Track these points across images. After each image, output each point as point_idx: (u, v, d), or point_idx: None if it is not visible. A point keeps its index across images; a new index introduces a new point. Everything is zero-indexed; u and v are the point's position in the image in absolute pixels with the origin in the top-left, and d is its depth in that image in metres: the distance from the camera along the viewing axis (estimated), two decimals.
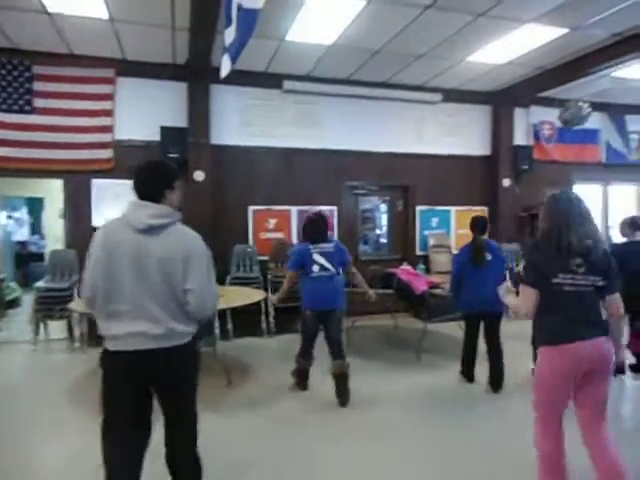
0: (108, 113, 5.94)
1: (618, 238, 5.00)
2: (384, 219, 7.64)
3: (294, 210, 6.74)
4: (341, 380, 3.83)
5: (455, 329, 5.54)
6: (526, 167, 7.59)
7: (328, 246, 3.90)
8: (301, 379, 4.11)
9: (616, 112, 8.22)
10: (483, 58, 5.96)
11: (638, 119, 8.39)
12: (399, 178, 7.23)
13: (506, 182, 7.53)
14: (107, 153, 5.94)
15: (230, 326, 5.78)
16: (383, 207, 7.61)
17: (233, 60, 3.44)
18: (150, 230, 1.95)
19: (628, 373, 4.47)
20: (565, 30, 5.09)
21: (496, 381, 4.08)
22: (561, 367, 2.18)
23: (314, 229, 3.95)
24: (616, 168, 8.40)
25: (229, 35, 3.41)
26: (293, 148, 6.70)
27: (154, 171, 2.09)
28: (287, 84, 6.52)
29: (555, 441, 2.27)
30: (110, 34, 5.19)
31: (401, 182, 7.28)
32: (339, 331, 3.93)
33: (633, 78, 6.75)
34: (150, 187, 2.02)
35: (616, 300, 2.27)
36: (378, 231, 7.72)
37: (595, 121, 7.95)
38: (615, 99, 7.96)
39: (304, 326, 3.98)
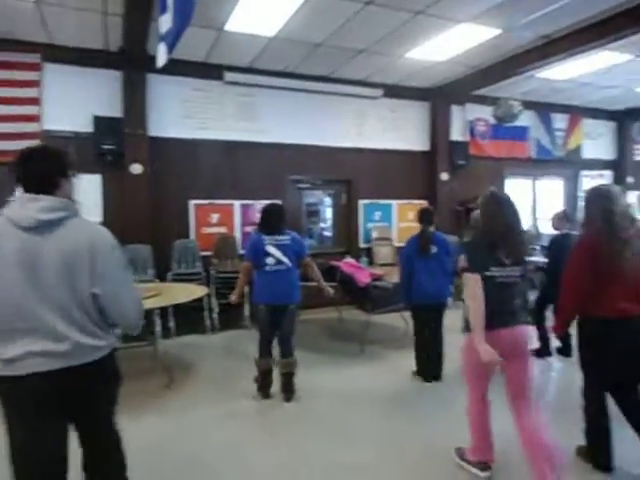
0: (34, 101, 5.55)
1: (547, 229, 5.34)
2: (329, 213, 7.70)
3: (237, 204, 6.63)
4: (287, 378, 3.81)
5: (398, 320, 5.70)
6: (462, 162, 7.90)
7: (284, 238, 3.76)
8: (263, 384, 3.85)
9: (543, 111, 8.73)
10: (422, 55, 6.12)
11: (563, 117, 8.96)
12: (342, 172, 7.30)
13: (444, 176, 7.81)
14: (34, 144, 5.55)
15: (172, 324, 5.63)
16: (328, 201, 7.67)
17: (170, 49, 3.31)
18: (41, 227, 1.61)
19: (555, 355, 4.80)
20: (498, 31, 5.32)
21: (437, 370, 4.22)
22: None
23: (268, 220, 3.79)
24: (544, 163, 8.94)
25: (165, 23, 3.28)
26: (235, 141, 6.58)
27: (45, 156, 1.72)
28: (228, 76, 6.39)
29: (480, 408, 2.67)
30: (35, 17, 4.84)
31: (344, 176, 7.36)
32: (292, 327, 3.85)
33: (556, 79, 7.19)
34: (41, 175, 1.67)
35: None
36: (323, 225, 7.77)
37: (525, 119, 8.39)
38: (542, 98, 8.44)
39: (259, 323, 3.87)
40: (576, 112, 8.99)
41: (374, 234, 7.52)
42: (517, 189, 8.90)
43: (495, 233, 2.47)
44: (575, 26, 5.24)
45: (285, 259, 3.72)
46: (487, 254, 2.46)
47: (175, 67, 5.32)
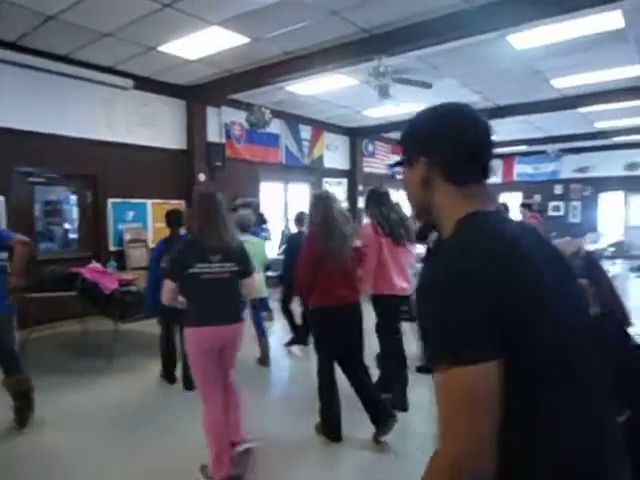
0: None
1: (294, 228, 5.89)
2: (75, 212, 6.77)
3: None
4: (24, 398, 3.25)
5: (153, 326, 5.38)
6: (219, 164, 8.01)
7: None
8: None
9: (292, 121, 9.57)
10: (175, 51, 5.93)
11: (308, 129, 10.00)
12: (86, 167, 6.50)
13: (202, 177, 7.77)
14: None
15: None
16: (73, 199, 6.73)
17: None
18: None
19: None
20: (247, 39, 5.55)
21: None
22: (203, 346, 2.60)
23: None
24: (293, 169, 9.81)
25: None
26: None
27: None
28: None
29: (216, 415, 2.65)
30: None
31: (89, 171, 6.57)
32: (11, 340, 3.35)
33: (301, 94, 7.97)
34: None
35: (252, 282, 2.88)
36: (67, 225, 6.79)
37: (276, 127, 9.06)
38: (291, 110, 9.25)
39: None
40: (318, 125, 10.15)
41: (127, 236, 6.96)
42: (271, 192, 9.55)
43: (203, 229, 2.61)
44: (313, 48, 5.86)
45: None
46: (191, 251, 2.61)
47: None
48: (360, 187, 11.34)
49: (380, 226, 3.43)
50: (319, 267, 2.93)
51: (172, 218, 4.11)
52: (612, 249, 10.95)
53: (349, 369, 3.12)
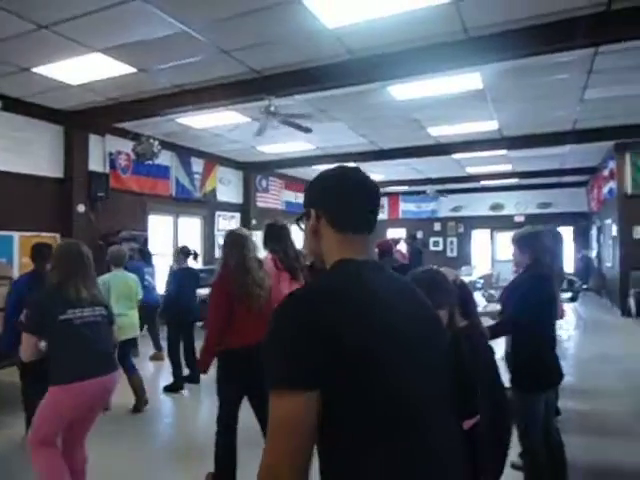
0: None
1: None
2: None
3: None
4: None
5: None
6: (102, 194, 7.53)
7: None
8: None
9: (183, 153, 9.37)
10: (52, 74, 5.55)
11: (200, 162, 9.86)
12: None
13: (81, 208, 7.22)
14: None
15: None
16: None
17: None
18: None
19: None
20: (133, 69, 5.39)
21: None
22: (79, 402, 2.37)
23: None
24: (184, 202, 9.54)
25: None
26: None
27: None
28: None
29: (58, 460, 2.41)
30: None
31: None
32: None
33: (193, 127, 7.88)
34: None
35: None
36: None
37: (166, 158, 8.81)
38: (182, 142, 9.07)
39: None
40: (211, 159, 10.06)
41: None
42: (161, 225, 9.17)
43: (69, 273, 2.45)
44: (203, 83, 5.86)
45: None
46: (59, 296, 2.41)
47: None
48: (254, 221, 11.35)
49: (280, 260, 3.45)
50: (233, 310, 2.83)
51: (38, 252, 3.73)
52: (481, 281, 12.13)
53: (260, 402, 2.96)
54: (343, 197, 1.14)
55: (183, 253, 5.15)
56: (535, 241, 2.83)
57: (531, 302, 2.62)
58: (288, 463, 0.89)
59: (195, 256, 5.62)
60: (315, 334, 0.91)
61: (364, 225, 1.16)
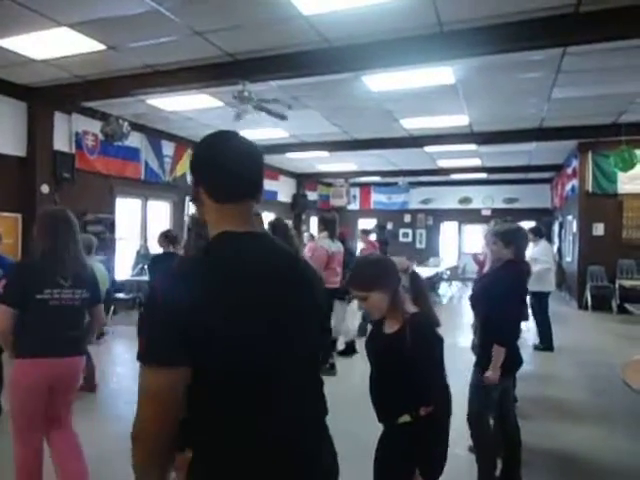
0: None
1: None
2: None
3: None
4: None
5: None
6: (68, 175, 7.30)
7: None
8: None
9: (153, 136, 9.16)
10: (15, 47, 5.31)
11: (171, 145, 9.66)
12: None
13: (45, 188, 6.98)
14: None
15: None
16: None
17: None
18: None
19: None
20: (102, 47, 5.22)
21: None
22: (31, 381, 2.30)
23: None
24: (153, 186, 9.35)
25: None
26: None
27: None
28: None
29: (35, 450, 2.36)
30: None
31: None
32: None
33: (164, 109, 7.70)
34: None
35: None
36: None
37: (136, 140, 8.59)
38: (153, 124, 8.86)
39: None
40: (182, 142, 9.86)
41: None
42: (127, 207, 8.98)
43: (54, 243, 2.37)
44: (176, 65, 5.73)
45: None
46: (38, 274, 2.34)
47: None
48: None
49: None
50: None
51: None
52: (448, 272, 12.41)
53: None
54: (216, 166, 1.11)
55: (167, 238, 4.95)
56: (520, 236, 2.91)
57: (516, 298, 2.73)
58: (152, 429, 1.00)
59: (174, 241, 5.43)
60: (171, 315, 0.97)
61: (243, 194, 1.14)
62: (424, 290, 1.96)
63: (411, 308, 1.82)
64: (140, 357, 0.99)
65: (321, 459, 1.15)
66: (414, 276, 1.94)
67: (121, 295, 7.89)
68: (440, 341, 1.79)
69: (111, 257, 7.97)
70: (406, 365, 1.70)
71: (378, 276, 1.79)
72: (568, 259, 11.71)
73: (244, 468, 1.03)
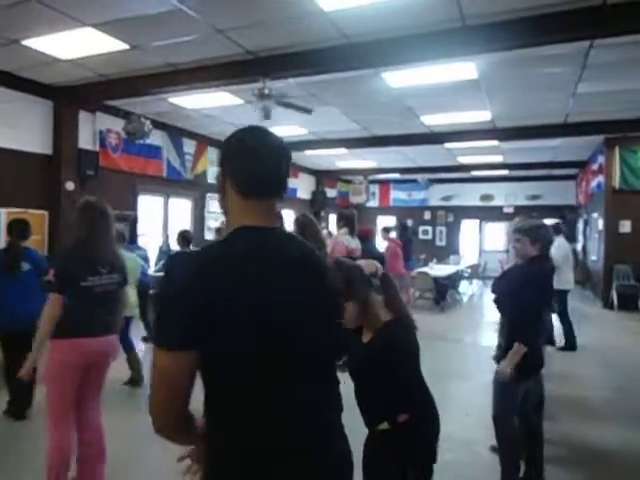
0: None
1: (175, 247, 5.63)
2: None
3: None
4: None
5: None
6: (92, 173, 7.44)
7: None
8: None
9: (174, 134, 9.26)
10: (42, 48, 5.43)
11: (191, 143, 9.76)
12: None
13: (70, 186, 7.13)
14: None
15: None
16: None
17: None
18: None
19: None
20: (126, 46, 5.30)
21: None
22: (75, 358, 2.40)
23: None
24: (175, 183, 9.47)
25: None
26: None
27: None
28: None
29: (67, 433, 2.42)
30: None
31: None
32: None
33: (185, 107, 7.78)
34: None
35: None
36: None
37: (158, 138, 8.70)
38: (174, 122, 8.96)
39: None
40: (203, 140, 9.95)
41: None
42: (150, 205, 9.11)
43: (92, 232, 2.48)
44: (197, 63, 5.78)
45: None
46: (81, 263, 2.45)
47: None
48: None
49: None
50: None
51: (14, 228, 3.71)
52: (469, 270, 12.26)
53: None
54: (247, 161, 1.13)
55: (184, 239, 5.03)
56: (546, 233, 2.86)
57: (544, 296, 2.70)
58: (163, 403, 1.07)
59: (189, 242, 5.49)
60: (185, 303, 1.01)
61: (269, 191, 1.15)
62: (396, 293, 1.93)
63: (385, 315, 1.80)
64: (156, 339, 1.06)
65: (334, 444, 1.17)
66: (385, 279, 1.91)
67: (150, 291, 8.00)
68: (416, 347, 1.77)
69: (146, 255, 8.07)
70: (380, 374, 1.70)
71: (340, 289, 1.68)
72: (593, 257, 11.45)
73: (258, 449, 1.06)
